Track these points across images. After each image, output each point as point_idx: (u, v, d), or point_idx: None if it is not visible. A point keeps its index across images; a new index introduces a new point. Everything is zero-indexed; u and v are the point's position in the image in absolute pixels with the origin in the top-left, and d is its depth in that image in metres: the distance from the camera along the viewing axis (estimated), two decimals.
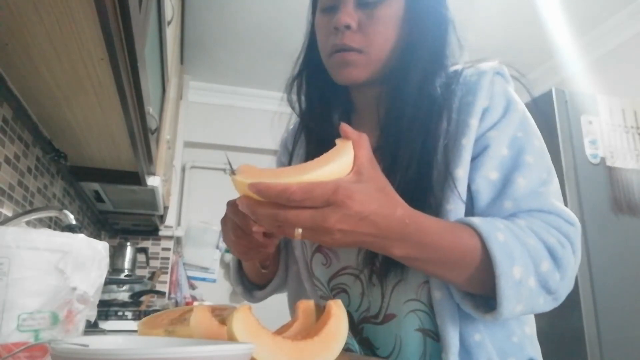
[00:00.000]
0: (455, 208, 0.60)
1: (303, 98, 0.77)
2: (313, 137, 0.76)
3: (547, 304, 0.57)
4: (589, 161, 1.94)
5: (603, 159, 1.96)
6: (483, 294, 0.57)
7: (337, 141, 0.50)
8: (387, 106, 0.69)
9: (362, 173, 0.48)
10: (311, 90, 0.77)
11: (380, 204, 0.48)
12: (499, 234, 0.53)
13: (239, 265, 0.81)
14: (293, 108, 0.79)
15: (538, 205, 0.60)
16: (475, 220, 0.55)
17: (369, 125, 0.74)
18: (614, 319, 1.79)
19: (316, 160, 0.48)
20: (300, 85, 0.77)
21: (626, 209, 1.92)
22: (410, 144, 0.63)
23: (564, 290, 0.58)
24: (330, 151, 0.49)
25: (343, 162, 0.48)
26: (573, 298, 1.80)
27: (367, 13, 0.65)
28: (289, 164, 0.80)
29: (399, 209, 0.50)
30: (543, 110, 2.00)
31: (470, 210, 0.62)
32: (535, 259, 0.55)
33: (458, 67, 0.69)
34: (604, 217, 1.89)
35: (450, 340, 0.58)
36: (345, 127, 0.50)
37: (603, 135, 1.99)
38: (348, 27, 0.65)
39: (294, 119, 0.83)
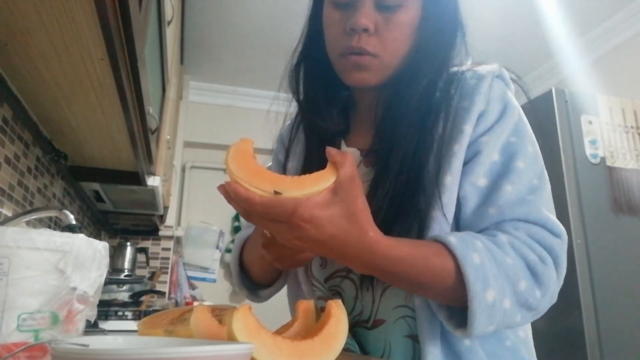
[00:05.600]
0: (439, 216, 0.59)
1: (302, 90, 0.76)
2: (311, 133, 0.75)
3: (525, 319, 0.57)
4: (589, 161, 1.94)
5: (603, 159, 1.96)
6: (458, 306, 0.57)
7: (329, 164, 0.50)
8: (386, 107, 0.69)
9: (337, 193, 0.47)
10: (311, 83, 0.75)
11: (343, 230, 0.48)
12: (475, 256, 0.53)
13: (240, 268, 0.80)
14: (294, 97, 0.77)
15: (523, 215, 0.59)
16: (453, 240, 0.54)
17: (366, 124, 0.73)
18: (614, 319, 1.79)
19: (298, 178, 0.48)
20: (298, 76, 0.76)
21: (626, 209, 1.92)
22: (403, 148, 0.63)
23: (545, 305, 0.58)
24: (317, 173, 0.49)
25: (321, 187, 0.48)
26: (573, 298, 1.80)
27: (385, 17, 0.63)
28: (285, 160, 0.80)
29: (366, 238, 0.49)
30: (543, 110, 2.00)
31: (458, 216, 0.61)
32: (513, 278, 0.54)
33: (458, 69, 0.69)
34: (604, 217, 1.89)
35: (427, 348, 0.58)
36: (329, 150, 0.50)
37: (603, 135, 1.99)
38: (366, 30, 0.63)
39: (290, 115, 0.82)
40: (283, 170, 0.80)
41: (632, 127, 2.05)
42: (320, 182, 0.48)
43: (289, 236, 0.49)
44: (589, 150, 1.95)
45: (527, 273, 0.55)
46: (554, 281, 0.57)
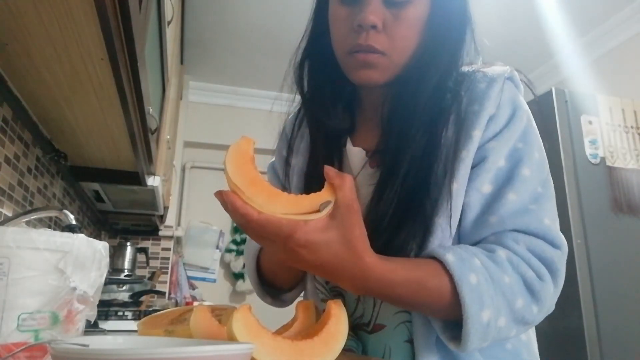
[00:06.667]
0: (444, 222, 0.59)
1: (306, 87, 0.74)
2: (316, 131, 0.73)
3: (520, 332, 0.57)
4: (589, 161, 1.94)
5: (603, 159, 1.96)
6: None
7: (327, 185, 0.49)
8: (393, 106, 0.67)
9: (335, 217, 0.48)
10: (315, 80, 0.73)
11: (338, 256, 0.48)
12: (471, 276, 0.52)
13: (259, 278, 0.76)
14: (299, 93, 0.76)
15: (524, 226, 0.58)
16: (450, 258, 0.53)
17: (372, 122, 0.71)
18: (614, 318, 1.79)
19: (295, 197, 0.48)
20: (302, 73, 0.74)
21: (626, 209, 1.92)
22: (412, 150, 0.61)
23: (541, 317, 0.58)
24: (314, 194, 0.48)
25: (313, 214, 0.47)
26: (573, 298, 1.80)
27: (394, 13, 0.61)
28: (288, 156, 0.79)
29: (361, 264, 0.50)
30: (543, 111, 2.00)
31: (460, 223, 0.61)
32: (510, 297, 0.54)
33: (468, 68, 0.67)
34: (604, 217, 1.89)
35: (422, 353, 0.58)
36: (328, 171, 0.49)
37: (603, 135, 1.99)
38: (374, 27, 0.61)
39: (292, 111, 0.81)
40: (286, 165, 0.79)
41: (632, 127, 2.05)
42: (318, 201, 0.48)
43: (283, 257, 0.49)
44: (589, 150, 1.95)
45: (524, 291, 0.55)
46: (551, 296, 0.57)
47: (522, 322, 0.55)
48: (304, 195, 0.48)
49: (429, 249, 0.58)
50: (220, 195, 0.47)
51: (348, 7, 0.64)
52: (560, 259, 0.58)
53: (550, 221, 0.60)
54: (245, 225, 0.46)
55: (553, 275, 0.57)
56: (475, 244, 0.60)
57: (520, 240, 0.57)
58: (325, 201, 0.47)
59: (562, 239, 0.59)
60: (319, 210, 0.47)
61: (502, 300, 0.53)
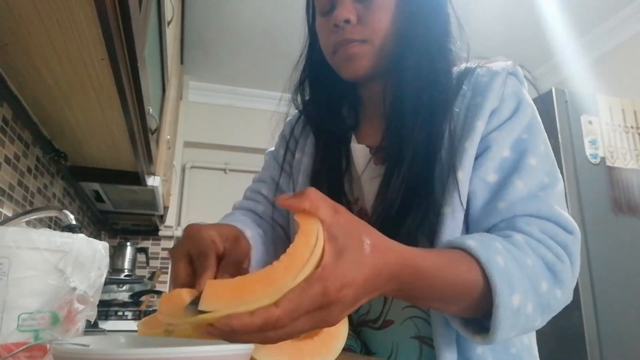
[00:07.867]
0: (453, 212, 0.57)
1: (308, 100, 0.77)
2: (320, 134, 0.75)
3: (542, 323, 0.55)
4: (589, 161, 1.94)
5: (603, 159, 1.96)
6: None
7: (298, 219, 0.40)
8: (392, 99, 0.68)
9: (337, 237, 0.39)
10: (317, 92, 0.76)
11: (371, 266, 0.40)
12: (498, 258, 0.49)
13: None
14: (301, 112, 0.78)
15: (535, 210, 0.57)
16: (473, 244, 0.50)
17: (375, 119, 0.73)
18: (614, 319, 1.79)
19: (284, 260, 0.38)
20: (303, 92, 0.77)
21: (626, 209, 1.92)
22: (414, 140, 0.62)
23: (562, 305, 0.56)
24: (297, 238, 0.39)
25: (315, 255, 0.38)
26: (573, 298, 1.79)
27: (365, 4, 0.65)
28: (292, 157, 0.79)
29: (390, 258, 0.42)
30: (543, 110, 2.00)
31: (467, 212, 0.60)
32: (534, 280, 0.51)
33: (470, 65, 0.67)
34: (604, 217, 1.89)
35: (443, 353, 0.56)
36: (283, 201, 0.40)
37: (603, 135, 1.99)
38: (347, 21, 0.64)
39: (292, 112, 0.82)
40: (292, 157, 0.79)
41: (632, 127, 2.05)
42: (311, 241, 0.38)
43: (332, 318, 0.39)
44: (589, 150, 1.95)
45: (547, 273, 0.53)
46: (571, 279, 0.56)
47: (547, 309, 0.53)
48: (291, 247, 0.39)
49: (444, 241, 0.56)
50: (223, 325, 0.36)
51: (327, 15, 0.68)
52: (573, 243, 0.57)
53: (561, 209, 0.59)
54: (274, 327, 0.36)
55: (569, 259, 0.56)
56: (485, 232, 0.58)
57: (533, 223, 0.56)
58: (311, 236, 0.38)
59: (574, 224, 0.58)
60: (313, 250, 0.38)
61: (528, 283, 0.51)
